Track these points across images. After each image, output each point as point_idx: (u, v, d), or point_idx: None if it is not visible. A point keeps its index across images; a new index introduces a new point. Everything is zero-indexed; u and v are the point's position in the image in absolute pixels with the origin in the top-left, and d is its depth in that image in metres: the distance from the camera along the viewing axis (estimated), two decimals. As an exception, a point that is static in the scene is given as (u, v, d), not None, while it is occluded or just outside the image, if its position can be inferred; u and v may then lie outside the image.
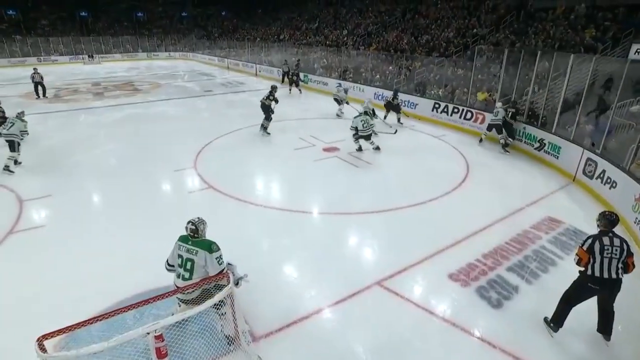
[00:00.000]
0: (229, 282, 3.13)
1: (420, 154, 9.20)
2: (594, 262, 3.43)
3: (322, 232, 5.79)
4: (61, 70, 26.01)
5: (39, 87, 15.65)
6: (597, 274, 3.42)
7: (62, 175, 7.66)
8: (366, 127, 8.61)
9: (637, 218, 5.49)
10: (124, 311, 2.83)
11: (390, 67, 15.88)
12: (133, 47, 36.21)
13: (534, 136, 8.94)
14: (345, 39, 21.76)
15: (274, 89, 10.32)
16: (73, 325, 2.59)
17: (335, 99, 12.82)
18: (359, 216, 6.09)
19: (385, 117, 11.58)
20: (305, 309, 4.07)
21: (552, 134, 8.39)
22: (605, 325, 3.64)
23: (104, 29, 38.15)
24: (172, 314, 3.12)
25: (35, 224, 5.85)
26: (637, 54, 10.15)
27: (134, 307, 2.84)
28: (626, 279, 3.54)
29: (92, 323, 2.72)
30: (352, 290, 4.35)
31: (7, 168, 7.62)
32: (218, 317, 3.44)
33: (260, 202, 6.51)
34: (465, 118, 11.24)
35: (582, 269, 3.55)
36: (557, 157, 8.21)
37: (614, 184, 6.31)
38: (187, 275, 3.35)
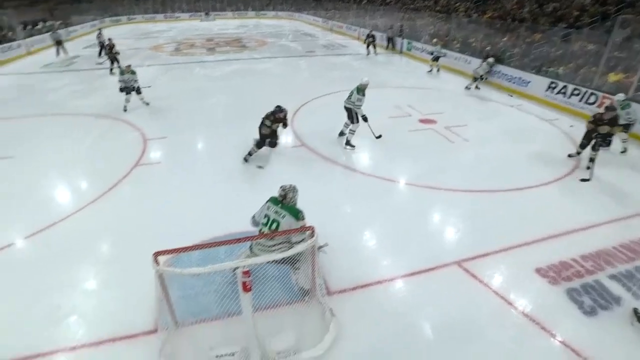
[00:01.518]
0: (313, 236, 3.31)
1: (525, 137, 8.30)
2: None
3: (407, 203, 5.73)
4: (181, 26, 28.78)
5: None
6: None
7: (177, 121, 8.75)
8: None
9: None
10: (218, 245, 3.22)
11: (505, 39, 14.26)
12: (244, 5, 38.12)
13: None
14: (457, 4, 19.97)
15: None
16: (181, 248, 3.04)
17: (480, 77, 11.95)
18: (448, 193, 5.86)
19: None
20: (380, 275, 4.17)
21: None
22: None
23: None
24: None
25: (154, 160, 6.82)
26: None
27: (227, 244, 3.21)
28: None
29: (194, 250, 3.18)
30: (429, 265, 4.31)
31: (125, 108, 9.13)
32: (292, 270, 3.69)
33: (349, 165, 6.64)
34: (586, 102, 9.73)
35: None
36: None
37: None
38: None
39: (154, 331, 3.44)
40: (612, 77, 10.07)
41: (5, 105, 10.01)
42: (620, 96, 7.48)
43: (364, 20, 23.92)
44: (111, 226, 4.98)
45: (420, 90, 11.90)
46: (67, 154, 7.06)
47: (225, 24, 30.89)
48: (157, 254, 2.97)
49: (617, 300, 3.94)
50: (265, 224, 3.63)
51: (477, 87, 12.06)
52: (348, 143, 7.29)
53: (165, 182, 6.07)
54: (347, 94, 7.23)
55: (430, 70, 14.08)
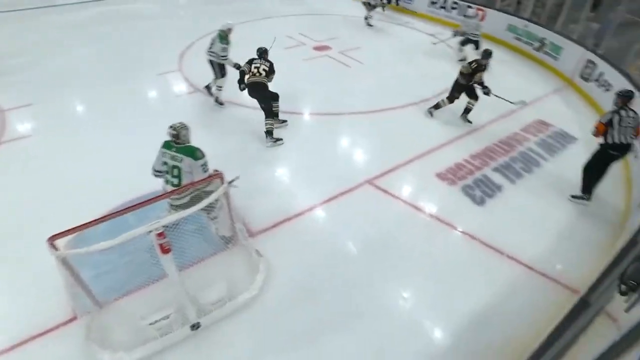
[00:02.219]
0: (222, 182, 3.20)
1: (415, 54, 8.76)
2: (613, 131, 4.01)
3: (313, 133, 5.80)
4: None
5: None
6: (616, 141, 4.01)
7: (38, 82, 7.23)
8: None
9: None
10: (124, 213, 2.94)
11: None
12: None
13: (534, 35, 8.50)
14: None
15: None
16: (79, 225, 2.70)
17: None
18: (351, 117, 6.06)
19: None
20: (299, 207, 4.29)
21: (555, 33, 7.98)
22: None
23: None
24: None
25: (22, 134, 5.73)
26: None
27: (133, 209, 2.95)
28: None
29: (97, 223, 2.85)
30: (343, 188, 4.55)
31: None
32: (210, 221, 3.59)
33: (250, 104, 6.36)
34: (465, 14, 10.46)
35: (602, 141, 4.13)
36: (557, 58, 7.94)
37: (609, 87, 6.23)
38: (175, 181, 3.33)
39: (74, 319, 3.17)
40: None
41: None
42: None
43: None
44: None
45: (311, 16, 11.53)
46: None
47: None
48: (51, 238, 2.62)
49: (499, 187, 4.66)
50: (168, 172, 3.36)
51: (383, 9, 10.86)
52: (217, 101, 6.29)
53: (42, 157, 5.17)
54: (235, 30, 6.28)
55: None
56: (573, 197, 4.52)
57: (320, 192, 4.49)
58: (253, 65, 5.23)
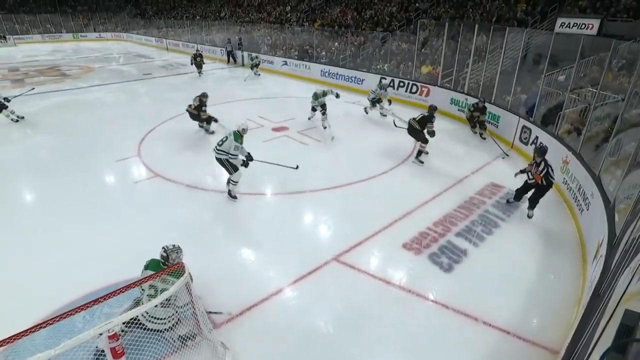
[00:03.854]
0: (183, 273, 3.01)
1: (369, 130, 9.32)
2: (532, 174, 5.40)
3: (276, 213, 5.75)
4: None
5: None
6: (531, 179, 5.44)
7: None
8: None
9: (564, 178, 6.04)
10: (70, 314, 2.62)
11: (336, 44, 15.80)
12: (55, 27, 32.62)
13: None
14: (289, 15, 21.22)
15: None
16: (12, 336, 2.37)
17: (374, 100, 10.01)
18: (312, 194, 6.12)
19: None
20: (265, 291, 4.06)
21: (493, 104, 8.89)
22: (532, 203, 5.52)
23: (16, 5, 33.87)
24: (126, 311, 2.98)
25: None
26: (561, 27, 10.89)
27: (81, 309, 2.64)
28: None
29: (34, 331, 2.50)
30: (310, 268, 4.40)
31: None
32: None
33: (211, 188, 6.31)
34: (411, 92, 11.53)
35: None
36: (497, 125, 8.75)
37: (546, 148, 6.86)
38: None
39: None
40: (424, 70, 12.13)
41: None
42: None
43: (200, 37, 23.30)
44: None
45: (268, 100, 12.20)
46: None
47: (35, 49, 26.00)
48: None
49: (464, 252, 4.72)
50: (155, 295, 3.09)
51: (382, 115, 10.25)
52: (230, 194, 5.96)
53: None
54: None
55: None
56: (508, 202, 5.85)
57: (286, 274, 4.32)
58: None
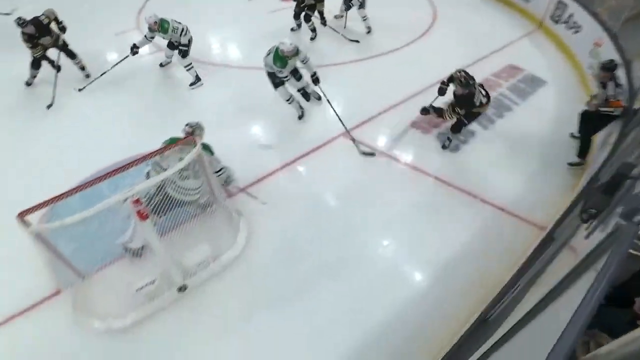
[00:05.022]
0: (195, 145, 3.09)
1: (384, 2, 8.38)
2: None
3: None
4: None
5: None
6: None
7: None
8: None
9: (590, 63, 5.62)
10: (96, 182, 2.86)
11: None
12: None
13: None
14: None
15: None
16: (49, 199, 2.63)
17: None
18: (321, 69, 5.86)
19: None
20: (275, 164, 4.32)
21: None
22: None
23: None
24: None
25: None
26: None
27: (106, 177, 2.87)
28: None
29: (68, 196, 2.77)
30: (319, 142, 4.58)
31: None
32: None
33: (220, 62, 6.12)
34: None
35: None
36: (528, 0, 7.84)
37: (579, 29, 6.26)
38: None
39: (58, 292, 3.17)
40: None
41: None
42: None
43: None
44: None
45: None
46: None
47: None
48: (21, 214, 2.54)
49: (472, 133, 4.76)
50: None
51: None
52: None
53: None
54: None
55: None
56: (570, 164, 4.35)
57: (295, 148, 4.50)
58: None
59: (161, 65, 5.99)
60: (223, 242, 3.42)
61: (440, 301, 3.13)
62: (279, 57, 4.41)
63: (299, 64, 4.70)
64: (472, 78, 4.07)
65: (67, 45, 5.50)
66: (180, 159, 2.90)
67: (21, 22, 4.96)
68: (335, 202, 3.94)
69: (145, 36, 5.34)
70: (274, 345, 2.89)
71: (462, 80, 3.98)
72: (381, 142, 4.62)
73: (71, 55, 5.58)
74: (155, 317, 3.03)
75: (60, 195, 2.67)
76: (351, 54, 6.31)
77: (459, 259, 3.43)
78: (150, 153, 3.05)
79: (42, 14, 5.18)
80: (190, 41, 5.41)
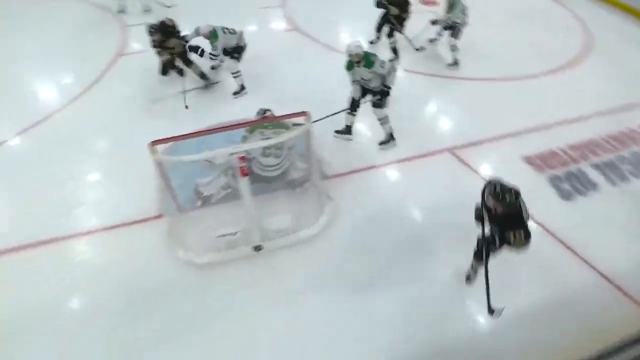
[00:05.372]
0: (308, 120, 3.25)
1: (527, 21, 7.67)
2: None
3: (402, 90, 5.53)
4: None
5: None
6: None
7: None
8: None
9: None
10: (214, 132, 3.23)
11: None
12: None
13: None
14: None
15: None
16: (177, 136, 3.04)
17: None
18: (443, 80, 5.73)
19: None
20: (375, 159, 4.37)
21: None
22: None
23: None
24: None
25: (136, 49, 6.35)
26: None
27: (224, 130, 3.22)
28: None
29: (191, 137, 3.18)
30: (423, 151, 4.48)
31: None
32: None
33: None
34: None
35: None
36: None
37: None
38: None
39: (160, 216, 3.69)
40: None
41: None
42: None
43: None
44: (103, 120, 4.90)
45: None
46: (46, 41, 6.57)
47: None
48: (153, 143, 2.98)
49: (594, 186, 4.19)
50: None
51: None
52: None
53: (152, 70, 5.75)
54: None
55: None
56: None
57: (399, 150, 4.48)
58: None
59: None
60: (305, 219, 3.58)
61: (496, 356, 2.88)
62: (348, 61, 4.11)
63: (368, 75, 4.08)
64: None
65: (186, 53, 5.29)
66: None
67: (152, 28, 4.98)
68: (422, 214, 3.84)
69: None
70: (322, 326, 2.98)
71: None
72: (485, 169, 4.33)
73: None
74: (228, 265, 3.34)
75: (184, 135, 3.06)
76: (476, 71, 5.96)
77: (537, 313, 3.09)
78: (261, 119, 3.44)
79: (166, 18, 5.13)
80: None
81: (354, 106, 4.39)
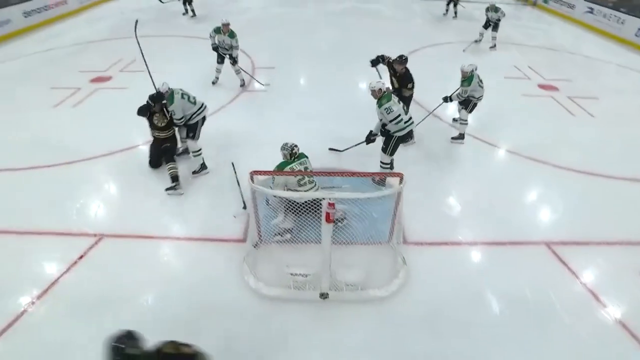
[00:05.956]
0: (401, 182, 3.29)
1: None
2: None
3: (505, 171, 5.39)
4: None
5: None
6: None
7: (284, 54, 8.98)
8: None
9: None
10: (310, 174, 3.45)
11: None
12: None
13: None
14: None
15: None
16: (274, 171, 3.33)
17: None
18: (554, 169, 5.28)
19: None
20: (460, 236, 4.15)
21: None
22: None
23: None
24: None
25: (258, 87, 7.29)
26: None
27: (320, 174, 3.43)
28: None
29: (288, 175, 3.43)
30: (514, 239, 4.14)
31: None
32: None
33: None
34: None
35: None
36: None
37: None
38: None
39: (243, 240, 3.95)
40: None
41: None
42: None
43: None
44: (216, 142, 5.51)
45: (548, 51, 10.29)
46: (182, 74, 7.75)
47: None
48: (253, 173, 3.26)
49: None
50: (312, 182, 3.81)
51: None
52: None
53: (269, 107, 6.64)
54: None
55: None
56: None
57: (490, 232, 4.20)
58: None
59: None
60: (377, 278, 3.50)
61: None
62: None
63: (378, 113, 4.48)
64: None
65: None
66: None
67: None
68: (500, 308, 3.45)
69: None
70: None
71: None
72: (590, 275, 3.80)
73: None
74: (292, 303, 3.38)
75: (284, 172, 3.32)
76: (593, 166, 5.40)
77: None
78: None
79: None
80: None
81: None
